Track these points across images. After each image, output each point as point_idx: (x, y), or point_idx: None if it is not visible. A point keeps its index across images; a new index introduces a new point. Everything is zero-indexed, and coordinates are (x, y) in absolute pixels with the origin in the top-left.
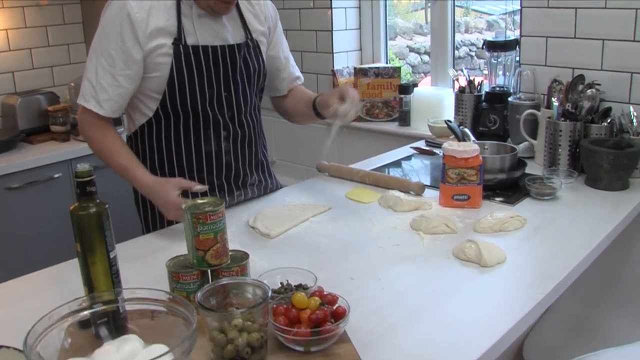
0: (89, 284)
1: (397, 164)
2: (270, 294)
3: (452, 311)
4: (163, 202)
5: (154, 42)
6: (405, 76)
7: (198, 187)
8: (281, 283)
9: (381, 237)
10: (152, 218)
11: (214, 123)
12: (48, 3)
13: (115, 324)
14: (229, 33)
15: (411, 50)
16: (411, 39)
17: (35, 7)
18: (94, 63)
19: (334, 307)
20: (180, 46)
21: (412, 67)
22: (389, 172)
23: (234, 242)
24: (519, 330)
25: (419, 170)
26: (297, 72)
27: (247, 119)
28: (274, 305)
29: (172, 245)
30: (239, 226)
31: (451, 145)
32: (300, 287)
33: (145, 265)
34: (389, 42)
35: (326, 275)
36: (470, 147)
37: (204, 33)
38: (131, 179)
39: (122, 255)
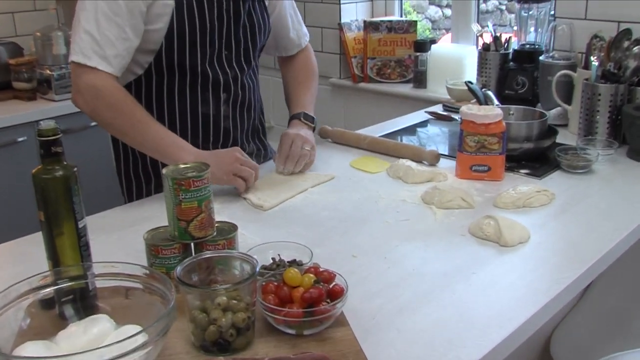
0: (54, 257)
1: (410, 130)
2: (259, 269)
3: (465, 295)
4: (227, 150)
5: None
6: (424, 32)
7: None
8: (273, 259)
9: (388, 210)
10: (137, 190)
11: (214, 84)
12: None
13: (83, 302)
14: None
15: (431, 2)
16: None
17: None
18: (91, 11)
19: (331, 286)
20: None
21: (432, 22)
22: (401, 140)
23: (223, 214)
24: (541, 319)
25: (434, 137)
26: (304, 29)
27: (247, 81)
28: (264, 283)
29: (155, 217)
30: (229, 196)
31: (470, 109)
32: (295, 263)
33: (122, 239)
34: None
35: (325, 252)
36: (492, 112)
37: None
38: (176, 147)
39: (97, 227)
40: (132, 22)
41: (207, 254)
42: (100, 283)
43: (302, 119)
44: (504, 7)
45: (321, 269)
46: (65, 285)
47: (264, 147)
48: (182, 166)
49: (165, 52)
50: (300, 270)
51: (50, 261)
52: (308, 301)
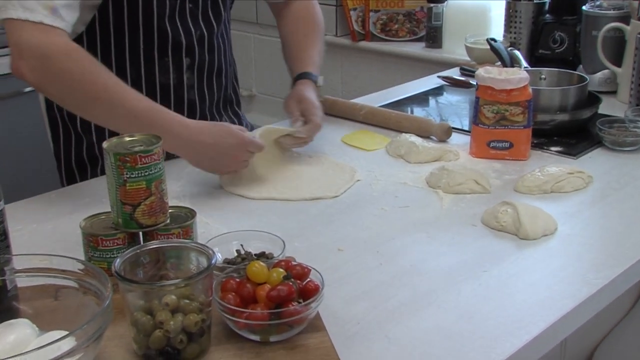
0: None
1: (418, 99)
2: (216, 261)
3: (473, 297)
4: (231, 144)
5: None
6: None
7: (258, 133)
8: (237, 251)
9: (385, 195)
10: (81, 179)
11: (174, 46)
12: None
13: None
14: None
15: None
16: None
17: None
18: None
19: (304, 283)
20: None
21: None
22: (412, 112)
23: (183, 199)
24: (567, 328)
25: (447, 108)
26: None
27: (217, 41)
28: (223, 279)
29: (99, 202)
30: (192, 177)
31: (489, 72)
32: (263, 256)
33: (57, 228)
34: None
35: (305, 244)
36: (515, 75)
37: None
38: (161, 127)
39: (26, 215)
40: None
41: (153, 244)
42: (22, 281)
43: (312, 79)
44: None
45: (293, 263)
46: None
47: (239, 120)
48: (128, 139)
49: (113, 6)
50: (268, 264)
51: None
52: (275, 301)
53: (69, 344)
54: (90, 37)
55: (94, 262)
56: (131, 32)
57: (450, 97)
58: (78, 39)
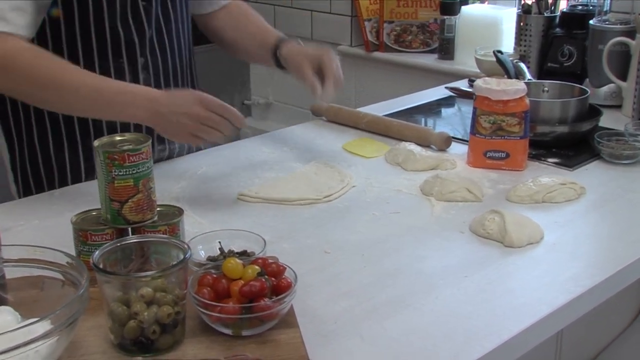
0: None
1: (424, 109)
2: (190, 255)
3: (450, 301)
4: (190, 101)
5: None
6: None
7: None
8: (220, 249)
9: (378, 201)
10: (37, 189)
11: (128, 46)
12: None
13: None
14: None
15: None
16: None
17: None
18: None
19: (278, 280)
20: None
21: None
22: (423, 122)
23: (181, 201)
24: (542, 334)
25: (451, 118)
26: None
27: (176, 41)
28: (201, 274)
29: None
30: (192, 180)
31: (486, 83)
32: (245, 254)
33: (58, 225)
34: None
35: (293, 245)
36: (512, 86)
37: None
38: (117, 101)
39: (29, 212)
40: None
41: (131, 239)
42: (11, 271)
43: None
44: None
45: (270, 261)
46: None
47: None
48: (118, 138)
49: (63, 8)
50: (244, 261)
51: None
52: (247, 296)
53: (44, 327)
54: (41, 40)
55: (83, 256)
56: (83, 34)
57: (458, 108)
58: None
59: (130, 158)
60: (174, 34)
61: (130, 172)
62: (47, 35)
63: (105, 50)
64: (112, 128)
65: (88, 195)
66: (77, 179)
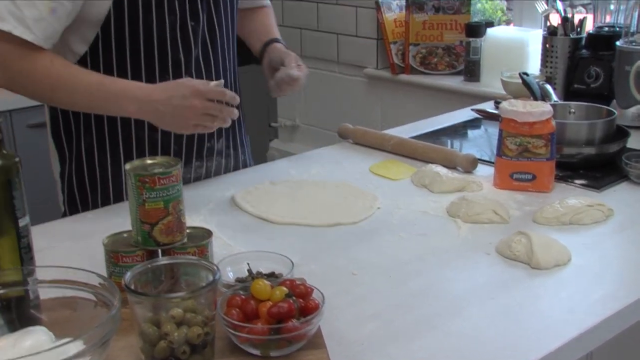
0: None
1: (450, 131)
2: (219, 277)
3: (477, 323)
4: (185, 95)
5: None
6: (496, 13)
7: (214, 82)
8: (248, 270)
9: (404, 223)
10: (82, 203)
11: (174, 64)
12: None
13: (20, 312)
14: None
15: None
16: None
17: None
18: None
19: (306, 302)
20: None
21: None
22: (449, 144)
23: (211, 222)
24: (567, 357)
25: (479, 140)
26: None
27: (222, 60)
28: (229, 295)
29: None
30: (221, 202)
31: (512, 105)
32: (273, 276)
33: (90, 246)
34: None
35: (321, 267)
36: (538, 108)
37: None
38: (117, 96)
39: (62, 234)
40: None
41: (162, 260)
42: (45, 292)
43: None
44: None
45: (297, 283)
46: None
47: (240, 144)
48: (149, 161)
49: (115, 26)
50: (272, 282)
51: None
52: (275, 317)
53: (77, 347)
54: (93, 57)
55: (114, 277)
56: (132, 52)
57: (484, 129)
58: (82, 60)
59: (161, 181)
60: (220, 53)
61: (161, 195)
62: (98, 49)
63: (153, 68)
64: (153, 145)
65: (119, 217)
66: (119, 196)
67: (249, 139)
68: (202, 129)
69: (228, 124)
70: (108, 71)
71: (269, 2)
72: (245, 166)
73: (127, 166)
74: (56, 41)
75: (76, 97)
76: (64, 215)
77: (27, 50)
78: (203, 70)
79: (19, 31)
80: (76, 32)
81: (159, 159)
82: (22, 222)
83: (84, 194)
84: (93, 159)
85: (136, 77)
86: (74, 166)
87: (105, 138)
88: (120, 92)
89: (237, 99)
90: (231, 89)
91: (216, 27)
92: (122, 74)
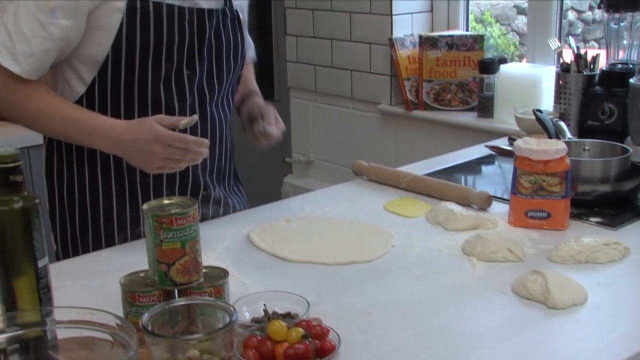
0: (9, 301)
1: (465, 167)
2: (236, 318)
3: None
4: (147, 140)
5: None
6: (508, 48)
7: (185, 120)
8: (264, 311)
9: (420, 261)
10: (72, 237)
11: (167, 109)
12: None
13: (38, 353)
14: None
15: (520, 11)
16: None
17: None
18: (15, 2)
19: (322, 343)
20: (138, 1)
21: (520, 35)
22: (463, 181)
23: (226, 260)
24: None
25: (493, 176)
26: (252, 50)
27: (216, 111)
28: (246, 336)
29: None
30: (235, 240)
31: (526, 143)
32: (289, 316)
33: (99, 286)
34: (490, 1)
35: (336, 306)
36: (552, 146)
37: None
38: (89, 133)
39: (78, 272)
40: (61, 22)
41: (179, 301)
42: (63, 332)
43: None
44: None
45: (313, 323)
46: (16, 332)
47: (238, 194)
48: (166, 201)
49: (112, 68)
50: (289, 323)
51: (3, 305)
52: (292, 358)
53: None
54: (90, 98)
55: (130, 317)
56: (127, 95)
57: (498, 165)
58: (79, 100)
59: (178, 221)
60: (217, 102)
61: (178, 236)
62: (95, 90)
63: (146, 111)
64: (146, 188)
65: (133, 255)
66: (110, 235)
67: (241, 188)
68: (169, 169)
69: (197, 162)
70: (103, 111)
71: (254, 57)
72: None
73: (145, 206)
74: (45, 73)
75: (53, 128)
76: (57, 252)
77: (14, 81)
78: (200, 116)
79: (8, 64)
80: (75, 72)
81: (175, 199)
82: (41, 263)
83: (74, 232)
84: (84, 198)
85: (129, 116)
86: (66, 208)
87: (98, 182)
88: (93, 129)
89: (204, 143)
90: (222, 140)
91: (215, 79)
92: (116, 115)
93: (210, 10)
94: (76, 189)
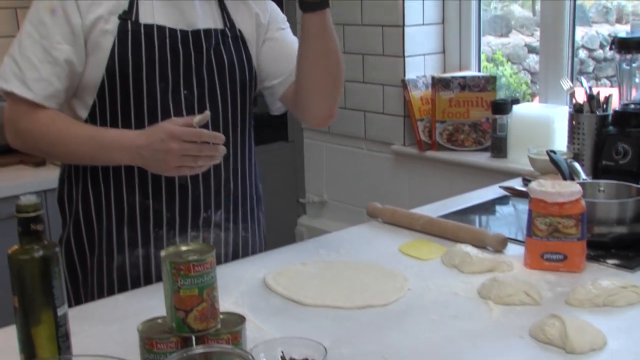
0: (28, 350)
1: (480, 208)
2: None
3: None
4: (162, 139)
5: (96, 13)
6: (520, 87)
7: (198, 117)
8: (282, 358)
9: (436, 305)
10: (80, 259)
11: None
12: None
13: None
14: (198, 16)
15: (531, 50)
16: (532, 35)
17: None
18: (19, 35)
19: None
20: (129, 22)
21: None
22: (478, 222)
23: (242, 305)
24: None
25: (508, 218)
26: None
27: (224, 131)
28: None
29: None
30: (252, 284)
31: (541, 186)
32: None
33: (116, 331)
34: (501, 40)
35: (352, 351)
36: (567, 188)
37: (165, 12)
38: (106, 147)
39: (94, 317)
40: (63, 46)
41: (197, 349)
42: None
43: None
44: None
45: None
46: None
47: (243, 219)
48: (183, 248)
49: (109, 91)
50: None
51: (22, 354)
52: None
53: None
54: (92, 122)
55: None
56: (124, 116)
57: (509, 208)
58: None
59: (195, 268)
60: (221, 123)
61: (195, 282)
62: (96, 114)
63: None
64: (145, 210)
65: (149, 300)
66: (109, 258)
67: (262, 216)
68: (188, 170)
69: (217, 161)
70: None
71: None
72: (249, 243)
73: (162, 253)
74: (61, 102)
75: (73, 149)
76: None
77: (31, 109)
78: (209, 112)
79: (20, 91)
80: (79, 98)
81: (192, 245)
82: (60, 311)
83: (82, 256)
84: (91, 222)
85: None
86: (72, 229)
87: (102, 202)
88: (109, 143)
89: (221, 138)
90: (237, 163)
91: (219, 99)
92: None
93: (207, 31)
94: (81, 213)
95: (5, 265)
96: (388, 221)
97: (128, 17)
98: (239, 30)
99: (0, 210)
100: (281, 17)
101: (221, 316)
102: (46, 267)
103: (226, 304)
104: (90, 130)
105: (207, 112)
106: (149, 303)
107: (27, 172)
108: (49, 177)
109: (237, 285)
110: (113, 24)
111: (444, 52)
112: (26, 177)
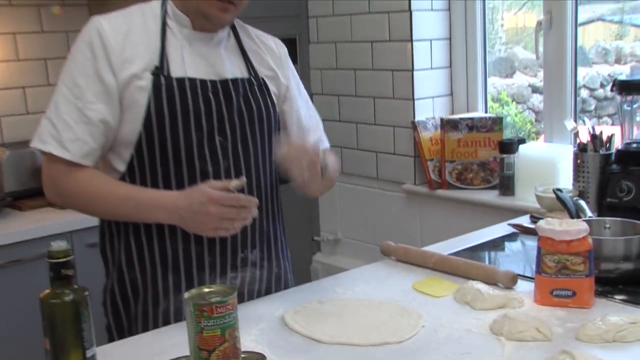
0: None
1: (490, 245)
2: None
3: None
4: (202, 202)
5: (129, 71)
6: (525, 126)
7: (235, 182)
8: None
9: (449, 342)
10: (124, 306)
11: (202, 176)
12: (49, 29)
13: None
14: (226, 67)
15: (535, 90)
16: (535, 75)
17: (32, 33)
18: (54, 97)
19: None
20: (162, 77)
21: (536, 112)
22: (488, 259)
23: (262, 343)
24: None
25: (517, 254)
26: (326, 143)
27: (256, 173)
28: None
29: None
30: (270, 322)
31: (549, 224)
32: None
33: None
34: (506, 81)
35: None
36: (574, 226)
37: (194, 64)
38: (145, 207)
39: (119, 357)
40: (97, 106)
41: None
42: None
43: None
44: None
45: None
46: None
47: (276, 256)
48: (206, 290)
49: (146, 144)
50: None
51: None
52: None
53: None
54: (131, 174)
55: None
56: (163, 166)
57: (518, 245)
58: (122, 177)
59: (218, 309)
60: (253, 165)
61: (218, 323)
62: (134, 167)
63: (181, 178)
64: (187, 256)
65: (173, 338)
66: (155, 304)
67: (289, 253)
68: (224, 231)
69: (249, 222)
70: (143, 185)
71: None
72: (281, 278)
73: (186, 295)
74: (97, 159)
75: (111, 207)
76: (108, 326)
77: (69, 168)
78: (245, 179)
79: (58, 151)
80: (115, 152)
81: (215, 287)
82: (89, 353)
83: (126, 303)
84: (134, 270)
85: (166, 185)
86: (115, 277)
87: (144, 250)
88: (149, 202)
89: (254, 201)
90: (268, 203)
91: (249, 142)
92: (154, 183)
93: (234, 80)
94: (124, 262)
95: (35, 304)
96: (401, 259)
97: (160, 72)
98: (262, 79)
99: (30, 250)
100: (283, 57)
101: (242, 355)
102: (76, 311)
103: (246, 341)
104: (128, 189)
105: (243, 178)
106: (173, 341)
107: (55, 215)
108: (74, 218)
109: (256, 324)
110: (147, 80)
111: (451, 94)
112: (54, 219)
